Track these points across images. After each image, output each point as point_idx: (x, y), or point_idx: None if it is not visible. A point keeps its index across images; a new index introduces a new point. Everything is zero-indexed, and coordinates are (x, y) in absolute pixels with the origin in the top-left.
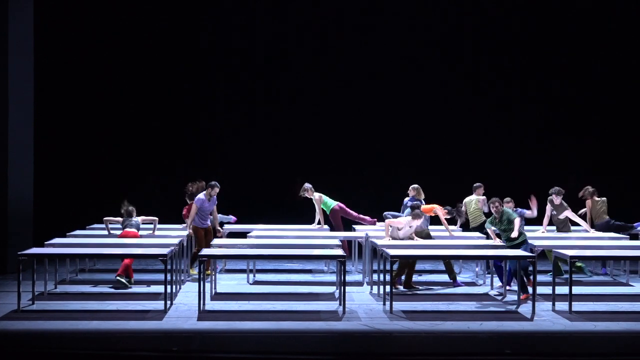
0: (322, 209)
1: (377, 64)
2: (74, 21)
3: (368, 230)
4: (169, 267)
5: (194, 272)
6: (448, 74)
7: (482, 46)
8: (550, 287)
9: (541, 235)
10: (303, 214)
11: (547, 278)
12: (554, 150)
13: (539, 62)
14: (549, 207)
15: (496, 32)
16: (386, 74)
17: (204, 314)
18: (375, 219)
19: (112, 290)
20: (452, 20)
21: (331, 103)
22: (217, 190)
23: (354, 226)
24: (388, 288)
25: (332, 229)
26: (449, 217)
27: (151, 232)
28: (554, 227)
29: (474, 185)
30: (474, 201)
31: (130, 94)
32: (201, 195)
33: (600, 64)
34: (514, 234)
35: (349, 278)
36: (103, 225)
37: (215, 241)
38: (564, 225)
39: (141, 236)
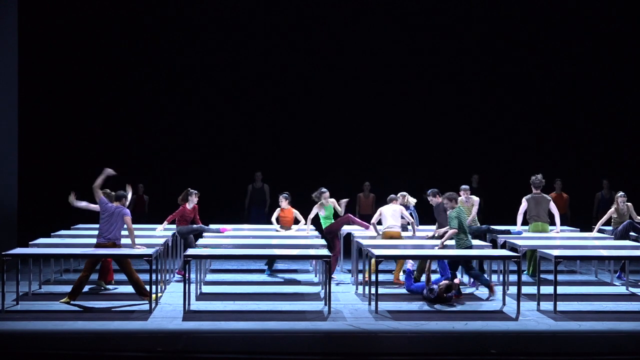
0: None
1: (362, 65)
2: (59, 21)
3: (353, 230)
4: (154, 267)
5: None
6: (445, 75)
7: (481, 45)
8: (536, 287)
9: (526, 236)
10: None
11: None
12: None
13: (537, 63)
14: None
15: (493, 31)
16: (373, 76)
17: (189, 314)
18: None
19: (95, 291)
20: (448, 20)
21: (320, 104)
22: (125, 200)
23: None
24: (374, 288)
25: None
26: None
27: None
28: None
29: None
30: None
31: (116, 95)
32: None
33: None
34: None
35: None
36: (88, 226)
37: (201, 241)
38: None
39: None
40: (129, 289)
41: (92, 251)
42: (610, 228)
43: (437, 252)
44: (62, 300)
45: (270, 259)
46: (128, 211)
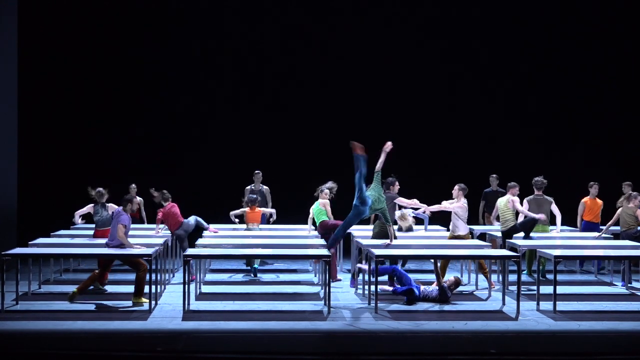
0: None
1: (374, 61)
2: (61, 22)
3: (353, 230)
4: (153, 267)
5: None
6: (445, 73)
7: (484, 45)
8: (535, 287)
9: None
10: (289, 213)
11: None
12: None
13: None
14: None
15: (497, 31)
16: (373, 71)
17: (188, 314)
18: None
19: (95, 290)
20: (448, 20)
21: (319, 103)
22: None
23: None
24: (373, 288)
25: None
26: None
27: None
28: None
29: (508, 184)
30: (503, 202)
31: (116, 94)
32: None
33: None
34: None
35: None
36: (87, 225)
37: (201, 241)
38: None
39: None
40: (129, 289)
41: (92, 251)
42: (617, 228)
43: (438, 251)
44: (73, 292)
45: (248, 260)
46: (124, 218)
